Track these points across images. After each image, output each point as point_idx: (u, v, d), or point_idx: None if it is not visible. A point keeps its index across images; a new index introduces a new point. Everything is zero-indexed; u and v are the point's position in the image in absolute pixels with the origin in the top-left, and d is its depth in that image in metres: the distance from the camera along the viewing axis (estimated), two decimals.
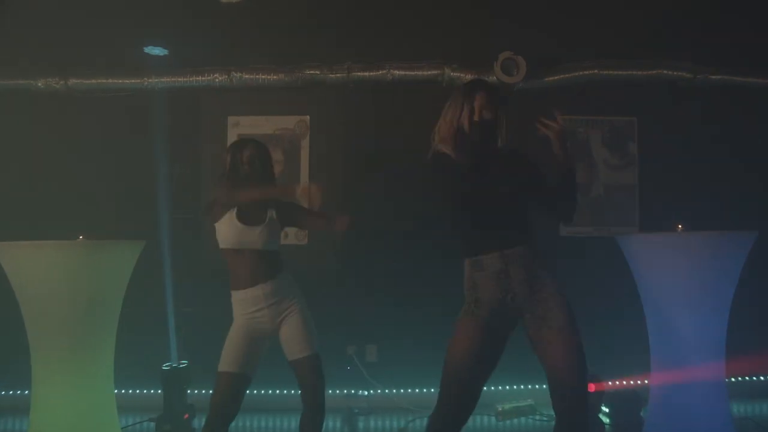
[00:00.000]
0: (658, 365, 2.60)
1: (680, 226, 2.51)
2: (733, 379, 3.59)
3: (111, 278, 2.53)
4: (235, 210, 2.20)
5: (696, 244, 2.42)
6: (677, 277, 2.44)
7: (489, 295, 1.84)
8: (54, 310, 2.36)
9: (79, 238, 2.47)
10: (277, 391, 3.54)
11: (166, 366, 3.26)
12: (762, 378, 3.77)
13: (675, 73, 3.68)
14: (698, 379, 2.43)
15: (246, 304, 2.19)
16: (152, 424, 3.20)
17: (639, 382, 3.60)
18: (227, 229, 2.19)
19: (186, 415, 3.19)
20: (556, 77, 3.66)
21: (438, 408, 1.85)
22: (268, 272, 2.20)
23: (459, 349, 1.81)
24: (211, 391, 2.17)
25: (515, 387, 3.64)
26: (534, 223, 1.93)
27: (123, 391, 3.49)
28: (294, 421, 2.50)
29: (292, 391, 2.46)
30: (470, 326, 1.81)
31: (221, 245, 2.24)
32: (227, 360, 2.15)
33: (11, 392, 3.56)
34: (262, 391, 3.49)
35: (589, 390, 3.22)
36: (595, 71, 3.65)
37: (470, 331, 1.80)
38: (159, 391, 3.28)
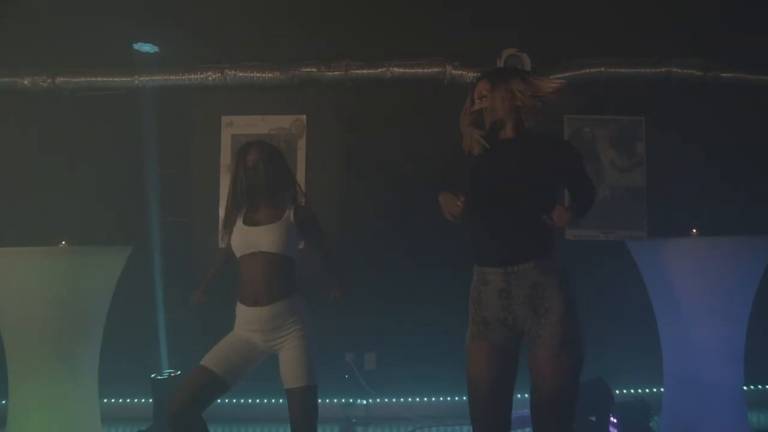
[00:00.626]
0: (673, 375, 2.48)
1: (695, 231, 2.38)
2: (752, 387, 3.49)
3: (95, 285, 2.42)
4: (243, 214, 2.15)
5: (714, 250, 2.30)
6: (693, 284, 2.33)
7: (493, 313, 1.76)
8: (34, 319, 2.26)
9: (61, 243, 2.34)
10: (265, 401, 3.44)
11: (156, 376, 3.14)
12: None
13: (685, 70, 3.55)
14: (715, 390, 2.31)
15: (244, 319, 2.12)
16: None
17: (648, 390, 3.51)
18: (235, 234, 2.14)
19: None
20: (561, 75, 3.52)
21: None
22: (272, 293, 2.08)
23: (479, 379, 1.73)
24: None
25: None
26: (548, 229, 1.75)
27: (113, 400, 3.40)
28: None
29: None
30: (483, 353, 1.73)
31: (236, 254, 2.17)
32: (211, 357, 2.07)
33: None
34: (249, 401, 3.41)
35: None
36: (602, 69, 3.53)
37: (484, 358, 1.72)
38: (150, 401, 3.17)
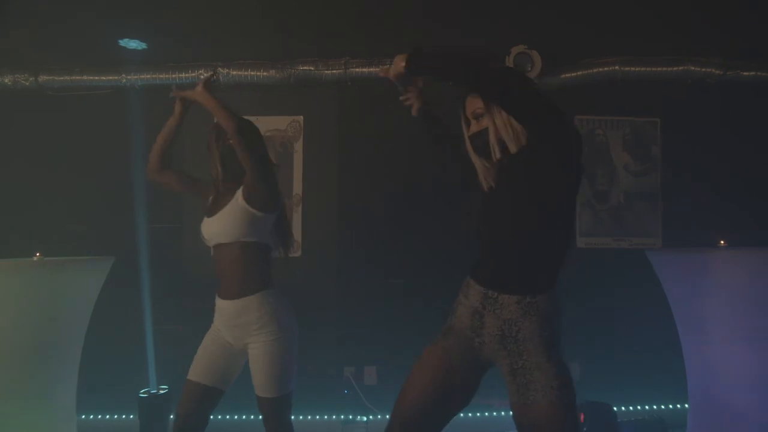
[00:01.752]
0: (697, 397, 2.30)
1: (723, 242, 2.20)
2: None
3: (73, 299, 2.25)
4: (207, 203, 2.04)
5: (744, 263, 2.12)
6: (721, 300, 2.15)
7: (462, 327, 1.58)
8: (6, 335, 2.06)
9: (35, 255, 2.16)
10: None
11: (143, 393, 2.96)
12: None
13: (703, 69, 3.38)
14: (743, 417, 2.13)
15: (217, 312, 2.01)
16: None
17: (664, 407, 3.35)
18: (201, 227, 2.03)
19: None
20: (573, 74, 3.38)
21: None
22: (235, 288, 1.91)
23: (414, 378, 1.57)
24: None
25: None
26: (556, 261, 1.52)
27: (99, 416, 3.25)
28: None
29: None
30: (432, 355, 1.57)
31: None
32: (195, 368, 1.97)
33: None
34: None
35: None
36: (616, 67, 3.36)
37: (431, 360, 1.56)
38: (132, 417, 3.02)
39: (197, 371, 1.95)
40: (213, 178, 2.05)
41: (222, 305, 1.96)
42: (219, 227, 1.93)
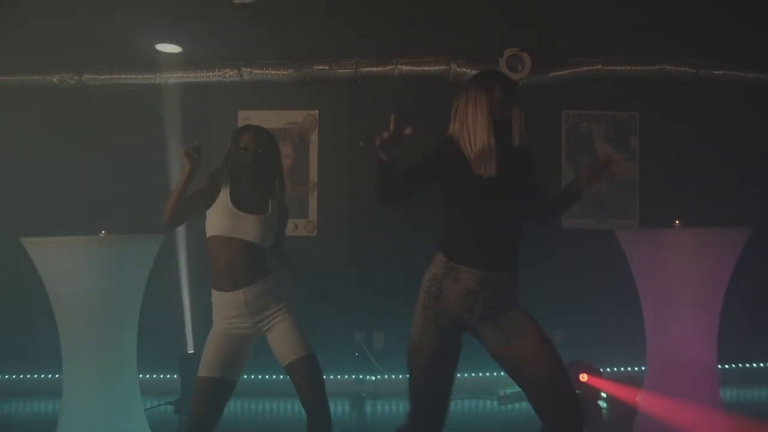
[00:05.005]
0: (654, 354, 2.71)
1: (677, 222, 2.60)
2: (727, 367, 3.75)
3: (132, 270, 2.62)
4: (229, 193, 2.04)
5: (692, 240, 2.51)
6: (674, 271, 2.54)
7: (450, 308, 1.75)
8: (80, 301, 2.46)
9: (101, 233, 2.57)
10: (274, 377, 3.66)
11: (183, 354, 3.39)
12: (755, 365, 3.91)
13: (678, 68, 3.72)
14: (691, 369, 2.55)
15: (225, 308, 2.03)
16: (170, 407, 3.36)
17: (636, 368, 3.76)
18: (219, 215, 2.03)
19: None
20: (560, 73, 3.72)
21: (413, 421, 1.83)
22: (252, 274, 2.01)
23: (420, 377, 1.78)
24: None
25: None
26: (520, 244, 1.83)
27: (141, 376, 3.66)
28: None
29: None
30: (424, 352, 1.77)
31: (209, 233, 2.06)
32: (206, 364, 2.00)
33: (43, 376, 3.76)
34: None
35: (584, 381, 3.38)
36: (599, 67, 3.70)
37: (426, 359, 1.77)
38: (175, 377, 3.45)
39: (206, 366, 1.99)
40: (231, 169, 2.09)
41: (234, 297, 1.99)
42: (255, 229, 2.02)
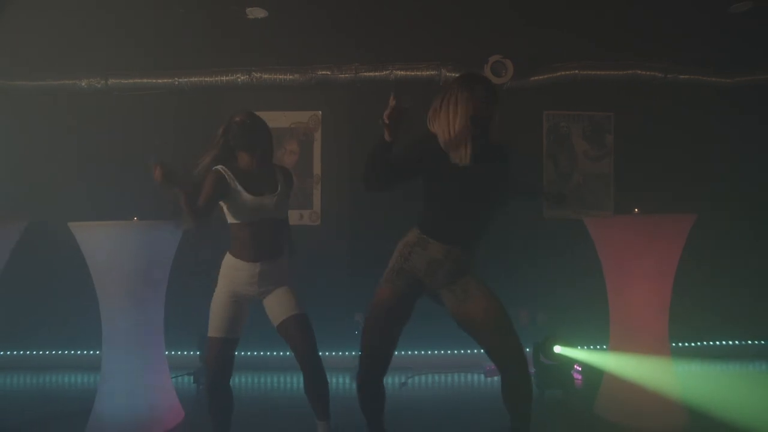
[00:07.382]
0: (615, 324, 3.06)
1: (636, 210, 2.96)
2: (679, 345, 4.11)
3: (160, 252, 2.97)
4: (239, 185, 2.21)
5: (646, 225, 2.84)
6: (631, 251, 2.87)
7: (413, 271, 2.00)
8: (116, 273, 2.80)
9: (134, 219, 2.93)
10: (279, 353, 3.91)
11: (203, 334, 3.70)
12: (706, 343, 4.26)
13: (648, 72, 4.06)
14: (646, 330, 2.88)
15: (239, 275, 2.26)
16: (190, 378, 3.72)
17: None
18: (240, 205, 2.21)
19: None
20: (540, 77, 4.03)
21: (363, 360, 2.06)
22: (273, 249, 2.27)
23: (378, 314, 2.03)
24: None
25: None
26: (490, 228, 2.06)
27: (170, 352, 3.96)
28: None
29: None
30: (387, 295, 2.01)
31: (231, 220, 2.27)
32: (215, 325, 2.26)
33: (85, 352, 4.15)
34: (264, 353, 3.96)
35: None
36: (576, 71, 4.02)
37: (387, 301, 2.02)
38: (191, 353, 3.80)
39: (215, 327, 2.25)
40: (230, 140, 2.25)
41: (252, 267, 2.24)
42: (278, 206, 2.28)
